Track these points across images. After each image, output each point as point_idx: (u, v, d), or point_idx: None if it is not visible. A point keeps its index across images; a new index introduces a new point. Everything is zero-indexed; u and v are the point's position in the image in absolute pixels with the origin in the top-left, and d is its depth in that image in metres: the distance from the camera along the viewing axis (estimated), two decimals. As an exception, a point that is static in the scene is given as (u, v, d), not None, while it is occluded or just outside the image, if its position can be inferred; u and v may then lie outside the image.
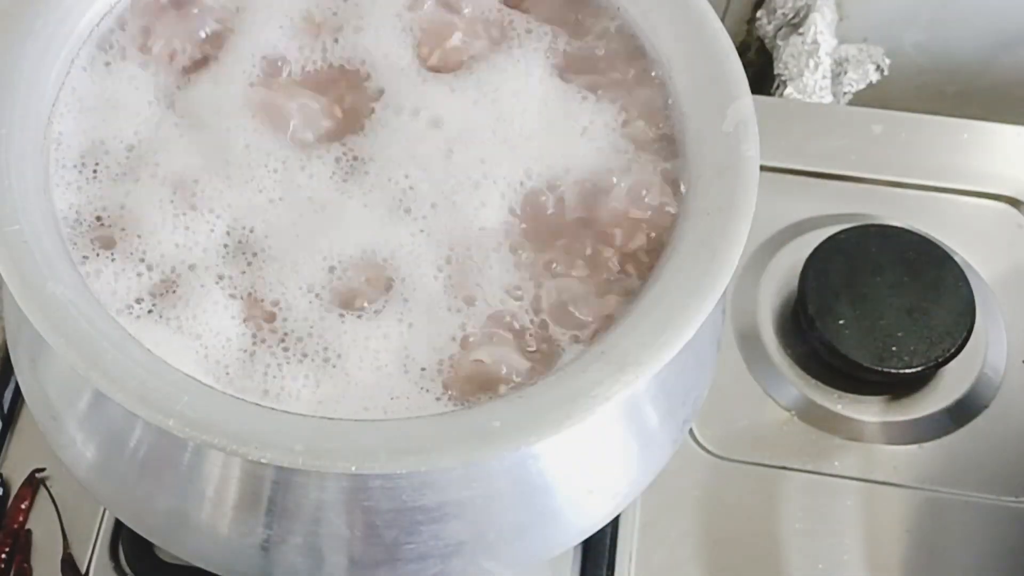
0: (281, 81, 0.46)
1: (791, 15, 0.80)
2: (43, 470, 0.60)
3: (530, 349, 0.41)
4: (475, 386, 0.40)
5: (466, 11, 0.48)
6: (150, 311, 0.41)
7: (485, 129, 0.45)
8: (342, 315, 0.41)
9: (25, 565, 0.58)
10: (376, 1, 0.48)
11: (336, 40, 0.47)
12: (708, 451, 0.61)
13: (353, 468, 0.35)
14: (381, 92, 0.46)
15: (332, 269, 0.42)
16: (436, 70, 0.47)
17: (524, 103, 0.46)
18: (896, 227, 0.65)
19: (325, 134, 0.45)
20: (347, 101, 0.46)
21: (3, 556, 0.58)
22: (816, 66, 0.78)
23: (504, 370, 0.40)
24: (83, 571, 0.58)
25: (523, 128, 0.45)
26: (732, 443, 0.62)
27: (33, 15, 0.43)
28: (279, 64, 0.46)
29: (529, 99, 0.46)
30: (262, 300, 0.42)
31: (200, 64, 0.46)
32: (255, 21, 0.47)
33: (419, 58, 0.47)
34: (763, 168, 0.41)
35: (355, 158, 0.44)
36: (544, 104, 0.46)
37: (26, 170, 0.40)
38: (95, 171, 0.43)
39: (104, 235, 0.42)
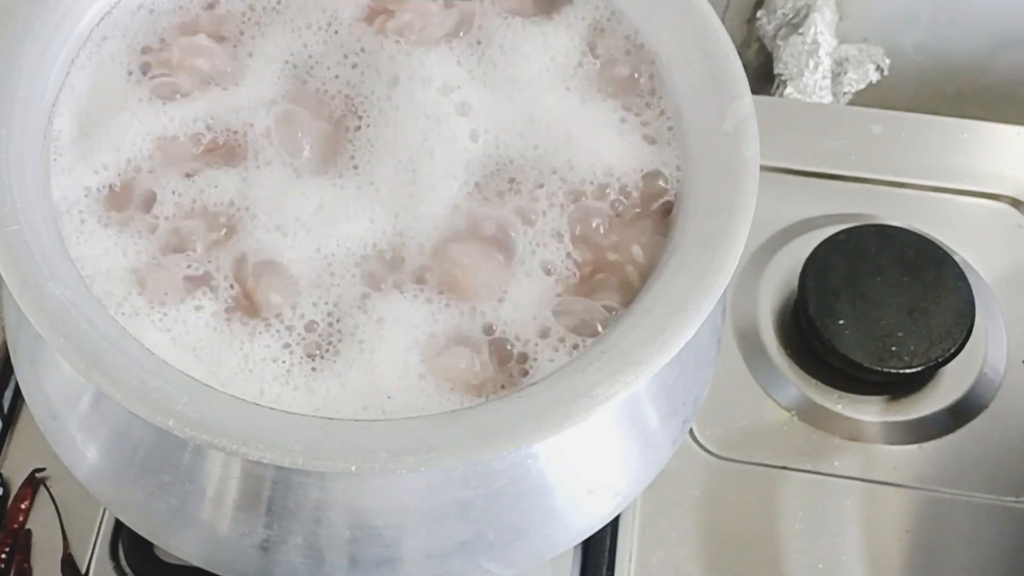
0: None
1: (791, 15, 0.80)
2: (43, 470, 0.60)
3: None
4: (476, 384, 0.40)
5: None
6: (137, 312, 0.41)
7: (489, 124, 0.45)
8: (340, 313, 0.41)
9: (25, 565, 0.58)
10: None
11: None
12: (708, 451, 0.61)
13: (353, 468, 0.35)
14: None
15: (330, 266, 0.42)
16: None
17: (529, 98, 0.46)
18: (896, 227, 0.65)
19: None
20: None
21: (3, 556, 0.58)
22: (816, 66, 0.78)
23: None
24: (83, 571, 0.58)
25: (523, 123, 0.45)
26: (732, 443, 0.62)
27: (33, 15, 0.43)
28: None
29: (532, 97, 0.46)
30: (260, 297, 0.42)
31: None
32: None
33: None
34: (763, 168, 0.41)
35: (352, 157, 0.45)
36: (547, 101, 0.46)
37: (26, 170, 0.40)
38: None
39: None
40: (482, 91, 0.46)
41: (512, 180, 0.44)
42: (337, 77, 0.46)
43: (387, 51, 0.46)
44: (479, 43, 0.47)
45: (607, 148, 0.45)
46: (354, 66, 0.47)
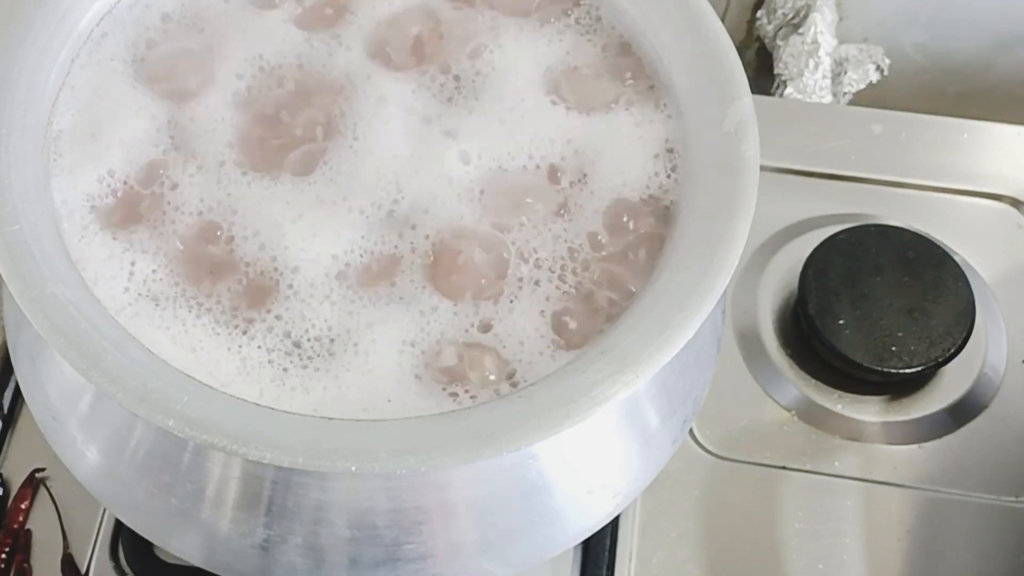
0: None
1: (791, 15, 0.80)
2: (43, 470, 0.60)
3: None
4: (475, 381, 0.40)
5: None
6: (137, 313, 0.41)
7: (479, 129, 0.45)
8: (340, 314, 0.41)
9: (25, 565, 0.58)
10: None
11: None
12: (708, 451, 0.61)
13: (353, 468, 0.35)
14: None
15: (330, 268, 0.42)
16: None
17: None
18: (896, 227, 0.65)
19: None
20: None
21: (3, 556, 0.58)
22: (816, 66, 0.78)
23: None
24: (83, 571, 0.58)
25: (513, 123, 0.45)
26: (732, 443, 0.62)
27: (33, 15, 0.43)
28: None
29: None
30: (259, 299, 0.42)
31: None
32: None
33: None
34: (763, 168, 0.41)
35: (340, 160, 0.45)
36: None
37: (26, 170, 0.40)
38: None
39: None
40: (474, 109, 0.46)
41: (510, 188, 0.44)
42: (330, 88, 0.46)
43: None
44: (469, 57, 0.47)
45: (605, 150, 0.45)
46: (341, 89, 0.46)
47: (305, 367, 0.40)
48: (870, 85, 0.81)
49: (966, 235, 0.68)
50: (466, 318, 0.41)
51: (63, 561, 0.58)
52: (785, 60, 0.79)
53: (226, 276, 0.42)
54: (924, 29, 0.81)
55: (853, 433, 0.62)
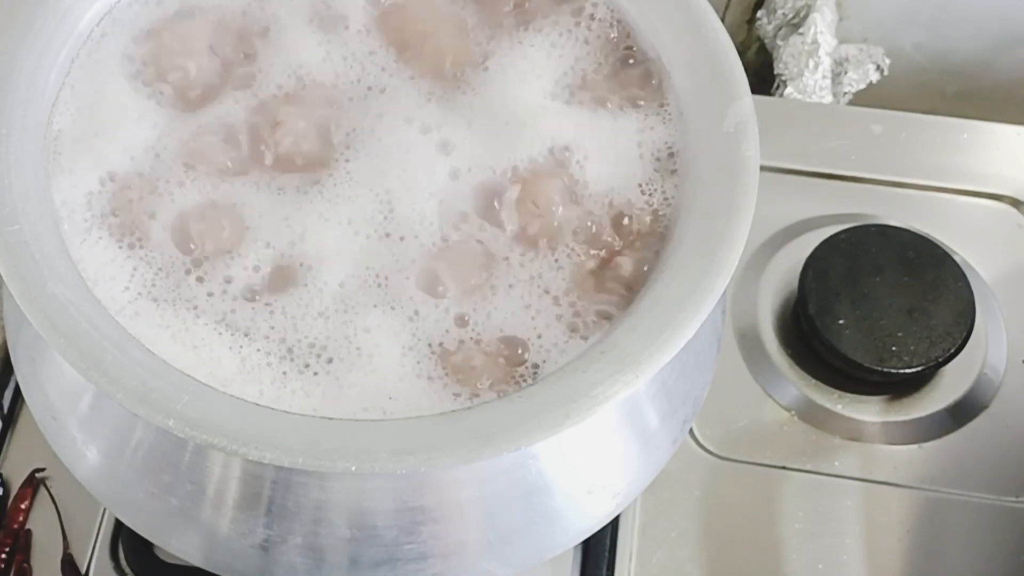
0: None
1: (791, 15, 0.80)
2: (43, 470, 0.60)
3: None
4: (476, 379, 0.40)
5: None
6: (137, 313, 0.41)
7: (479, 134, 0.45)
8: (340, 315, 0.41)
9: (25, 565, 0.58)
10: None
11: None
12: (708, 451, 0.61)
13: (353, 468, 0.35)
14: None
15: (330, 275, 0.42)
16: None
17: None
18: (896, 227, 0.65)
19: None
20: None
21: (3, 556, 0.58)
22: (816, 66, 0.78)
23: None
24: (83, 571, 0.58)
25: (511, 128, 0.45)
26: (732, 443, 0.62)
27: (33, 15, 0.43)
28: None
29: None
30: (259, 303, 0.42)
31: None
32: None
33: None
34: (763, 168, 0.41)
35: (347, 162, 0.45)
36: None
37: (26, 170, 0.40)
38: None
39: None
40: (471, 114, 0.46)
41: (507, 190, 0.44)
42: (335, 86, 0.46)
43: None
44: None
45: (604, 151, 0.45)
46: (347, 99, 0.46)
47: (302, 372, 0.40)
48: (870, 85, 0.81)
49: (966, 235, 0.68)
50: (466, 319, 0.42)
51: (63, 561, 0.58)
52: (785, 60, 0.79)
53: (225, 279, 0.42)
54: (924, 29, 0.81)
55: (853, 433, 0.62)
